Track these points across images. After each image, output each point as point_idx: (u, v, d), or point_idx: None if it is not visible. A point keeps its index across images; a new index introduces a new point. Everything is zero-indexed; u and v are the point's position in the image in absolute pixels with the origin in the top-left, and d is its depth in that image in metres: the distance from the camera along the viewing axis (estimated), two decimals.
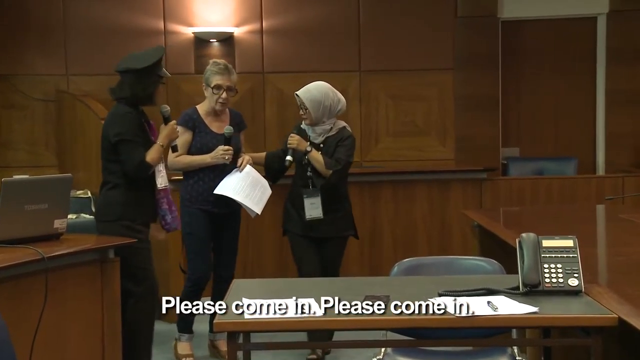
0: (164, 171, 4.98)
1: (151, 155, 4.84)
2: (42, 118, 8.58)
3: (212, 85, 5.53)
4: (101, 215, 4.92)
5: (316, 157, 5.46)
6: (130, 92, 4.93)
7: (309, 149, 5.46)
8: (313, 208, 5.46)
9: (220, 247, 5.68)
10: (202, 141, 5.54)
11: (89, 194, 7.32)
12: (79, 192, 7.24)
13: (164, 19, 8.59)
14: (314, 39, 8.61)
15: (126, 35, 8.51)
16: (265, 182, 5.61)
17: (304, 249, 5.56)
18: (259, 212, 5.53)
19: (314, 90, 5.51)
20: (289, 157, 5.46)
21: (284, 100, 8.59)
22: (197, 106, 5.66)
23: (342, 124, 5.64)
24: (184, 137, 5.47)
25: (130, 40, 8.47)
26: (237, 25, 8.61)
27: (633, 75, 8.69)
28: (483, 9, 8.67)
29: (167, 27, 8.58)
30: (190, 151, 5.54)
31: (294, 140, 5.50)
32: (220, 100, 5.53)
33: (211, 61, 5.71)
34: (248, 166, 5.52)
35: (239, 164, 5.51)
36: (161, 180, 4.93)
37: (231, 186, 5.45)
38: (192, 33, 8.53)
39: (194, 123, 5.57)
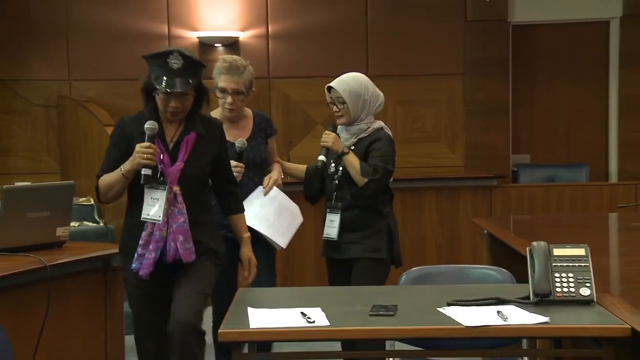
0: (162, 201, 3.88)
1: (104, 177, 3.99)
2: (44, 124, 8.60)
3: (218, 87, 4.75)
4: None
5: (353, 161, 4.62)
6: None
7: (345, 150, 4.64)
8: (330, 226, 4.70)
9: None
10: None
11: (92, 202, 7.35)
12: (81, 199, 7.27)
13: (168, 23, 8.61)
14: (320, 44, 8.63)
15: (129, 40, 8.54)
16: (295, 208, 4.87)
17: (330, 277, 4.85)
18: (284, 246, 4.75)
19: (352, 82, 4.72)
20: (321, 157, 4.67)
21: (291, 106, 8.61)
22: (212, 112, 4.82)
23: (380, 124, 4.80)
24: None
25: (134, 45, 8.50)
26: (243, 30, 8.63)
27: None
28: (493, 12, 8.66)
29: (171, 32, 8.61)
30: None
31: (329, 137, 4.67)
32: (226, 105, 4.74)
33: (220, 57, 4.90)
34: (275, 189, 4.77)
35: (264, 184, 4.76)
36: (151, 211, 3.90)
37: (253, 213, 4.61)
38: (197, 37, 8.55)
39: None
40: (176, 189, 3.90)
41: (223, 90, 4.72)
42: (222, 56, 4.96)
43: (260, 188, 4.75)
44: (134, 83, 8.75)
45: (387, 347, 3.86)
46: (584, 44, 9.01)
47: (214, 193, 4.23)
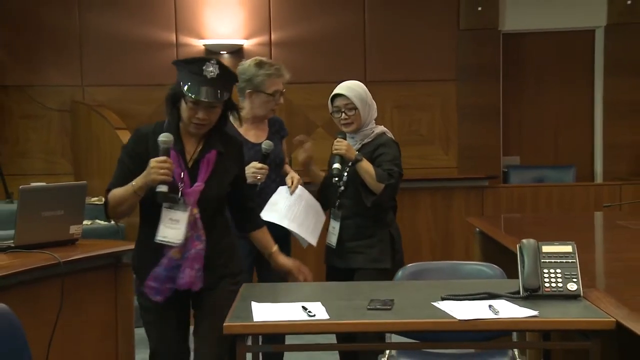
0: (184, 224, 3.48)
1: (115, 191, 3.57)
2: (58, 127, 8.60)
3: (269, 92, 4.53)
4: None
5: (367, 168, 4.31)
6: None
7: (359, 157, 4.32)
8: (332, 233, 4.48)
9: (269, 280, 4.39)
10: None
11: (104, 201, 7.34)
12: (93, 198, 7.25)
13: (175, 32, 8.61)
14: (321, 51, 8.62)
15: (139, 48, 8.54)
16: (318, 206, 4.58)
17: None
18: (315, 243, 4.51)
19: (357, 87, 4.49)
20: (337, 165, 4.30)
21: (293, 110, 8.59)
22: (243, 112, 4.57)
23: (382, 128, 4.57)
24: None
25: (143, 52, 8.52)
26: (247, 38, 8.62)
27: (630, 87, 8.69)
28: (485, 21, 8.66)
29: (178, 40, 8.60)
30: None
31: (342, 145, 4.32)
32: (274, 106, 4.60)
33: (254, 62, 4.60)
34: (300, 187, 4.52)
35: (289, 184, 4.52)
36: (168, 233, 3.49)
37: (282, 212, 4.42)
38: (203, 45, 8.55)
39: None
40: (195, 211, 3.49)
41: (276, 93, 4.56)
42: (259, 59, 4.64)
43: (283, 188, 4.53)
44: (144, 88, 8.82)
45: (384, 340, 3.86)
46: (571, 52, 9.01)
47: (230, 211, 3.82)
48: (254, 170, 4.32)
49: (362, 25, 8.71)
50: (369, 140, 4.49)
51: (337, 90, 4.46)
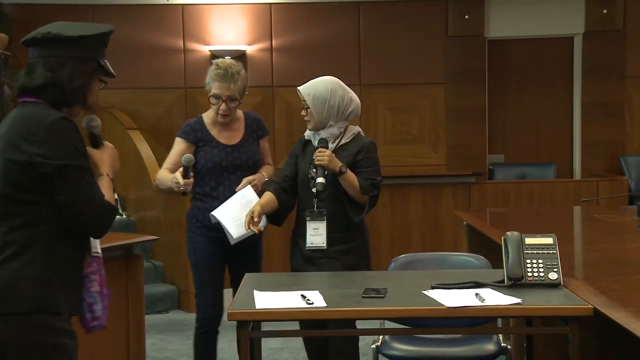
0: None
1: (108, 194, 2.81)
2: None
3: (210, 94, 4.22)
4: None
5: (351, 180, 3.85)
6: (46, 79, 2.73)
7: (344, 169, 3.83)
8: (316, 234, 3.90)
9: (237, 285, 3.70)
10: (208, 156, 4.22)
11: (116, 196, 7.33)
12: None
13: (183, 38, 8.59)
14: (318, 56, 8.60)
15: (149, 53, 8.53)
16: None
17: None
18: (235, 236, 4.04)
19: (319, 85, 3.96)
20: (321, 180, 3.83)
21: (292, 112, 8.58)
22: (203, 114, 4.35)
23: (357, 129, 4.06)
24: (178, 148, 4.26)
25: (153, 57, 8.51)
26: (250, 44, 8.61)
27: (606, 90, 8.69)
28: (471, 29, 8.66)
29: (186, 45, 8.59)
30: (196, 167, 4.19)
31: (324, 156, 3.84)
32: (220, 112, 4.20)
33: (213, 62, 4.28)
34: (248, 187, 4.15)
35: (241, 185, 4.18)
36: (96, 244, 2.88)
37: (220, 206, 4.12)
38: (209, 51, 8.53)
39: (196, 135, 4.25)
40: None
41: (217, 97, 4.18)
42: (215, 61, 4.30)
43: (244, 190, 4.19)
44: (153, 91, 8.80)
45: (378, 326, 3.85)
46: (551, 57, 9.00)
47: None
48: (176, 181, 4.02)
49: (357, 33, 8.70)
50: (347, 140, 4.01)
51: (300, 86, 4.03)
